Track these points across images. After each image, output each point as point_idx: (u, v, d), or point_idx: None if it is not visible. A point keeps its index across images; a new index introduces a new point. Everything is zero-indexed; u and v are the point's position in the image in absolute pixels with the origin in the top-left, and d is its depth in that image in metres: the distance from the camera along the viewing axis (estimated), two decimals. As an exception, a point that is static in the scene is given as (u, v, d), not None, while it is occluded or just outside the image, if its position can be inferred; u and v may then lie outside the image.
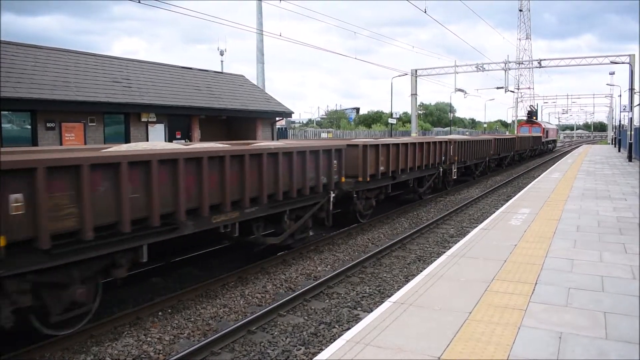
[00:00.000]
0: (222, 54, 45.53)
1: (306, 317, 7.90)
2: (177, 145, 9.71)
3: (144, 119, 20.90)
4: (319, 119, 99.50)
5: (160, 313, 8.06)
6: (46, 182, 5.92)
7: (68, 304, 6.79)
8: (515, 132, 62.10)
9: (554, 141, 65.21)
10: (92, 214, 6.43)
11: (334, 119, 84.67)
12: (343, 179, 12.58)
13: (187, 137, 23.19)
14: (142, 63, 24.28)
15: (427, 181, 19.36)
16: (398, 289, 7.25)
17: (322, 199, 11.77)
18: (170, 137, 22.16)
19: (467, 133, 66.04)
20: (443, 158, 20.31)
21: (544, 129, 54.42)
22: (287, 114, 28.17)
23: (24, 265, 6.01)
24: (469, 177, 26.35)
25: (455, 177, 22.38)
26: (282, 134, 28.33)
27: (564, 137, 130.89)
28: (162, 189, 7.46)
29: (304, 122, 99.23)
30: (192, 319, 7.74)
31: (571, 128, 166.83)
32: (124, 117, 20.54)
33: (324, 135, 30.27)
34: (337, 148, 12.25)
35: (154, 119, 21.21)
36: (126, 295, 9.14)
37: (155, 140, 21.03)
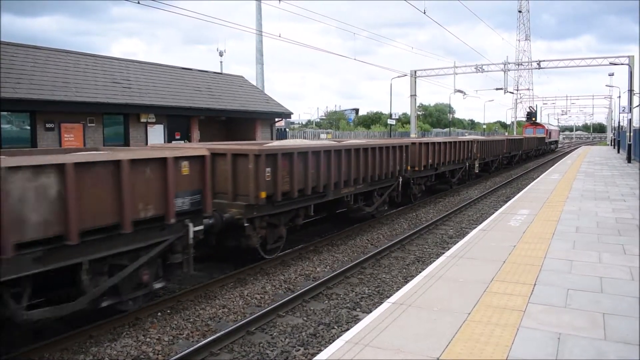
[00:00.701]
0: (221, 54, 45.57)
1: (305, 318, 7.90)
2: (315, 142, 14.57)
3: (143, 120, 20.88)
4: (318, 120, 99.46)
5: (159, 314, 8.06)
6: (281, 162, 10.14)
7: (276, 238, 10.82)
8: (515, 132, 64.65)
9: (556, 142, 69.70)
10: (296, 182, 10.62)
11: (333, 120, 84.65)
12: (408, 168, 16.68)
13: (187, 137, 23.17)
14: (142, 64, 24.28)
15: (458, 173, 23.06)
16: (397, 290, 7.26)
17: (394, 182, 15.72)
18: (170, 138, 22.15)
19: (467, 134, 66.16)
20: (469, 154, 24.11)
21: (547, 130, 58.45)
22: (287, 114, 28.15)
23: (265, 211, 10.08)
24: (485, 173, 29.44)
25: (477, 171, 26.19)
26: (281, 134, 28.32)
27: (563, 138, 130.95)
28: (323, 169, 11.65)
29: (303, 123, 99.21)
30: (191, 320, 7.75)
31: (570, 129, 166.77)
32: (124, 117, 20.53)
33: (323, 136, 30.26)
34: (406, 144, 16.46)
35: (153, 120, 21.20)
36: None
37: (156, 141, 21.03)
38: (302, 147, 11.17)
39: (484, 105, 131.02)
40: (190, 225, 8.00)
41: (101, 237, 6.64)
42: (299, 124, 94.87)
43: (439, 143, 19.59)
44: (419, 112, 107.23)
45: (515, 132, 76.70)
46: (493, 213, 13.44)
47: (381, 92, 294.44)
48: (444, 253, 8.50)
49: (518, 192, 17.31)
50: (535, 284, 6.56)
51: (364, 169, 13.59)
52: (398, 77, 41.67)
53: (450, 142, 21.05)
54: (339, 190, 12.58)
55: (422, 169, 18.13)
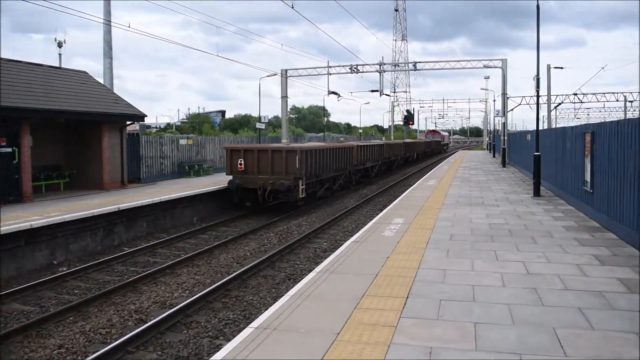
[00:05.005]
0: (60, 45, 42.81)
1: (160, 352, 7.66)
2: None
3: (-45, 124, 19.01)
4: (179, 123, 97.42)
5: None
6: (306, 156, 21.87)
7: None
8: (392, 137, 73.66)
9: (447, 144, 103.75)
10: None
11: (197, 123, 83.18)
12: (355, 163, 29.10)
13: (15, 145, 21.46)
14: (-45, 55, 22.16)
15: (375, 168, 34.75)
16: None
17: (346, 172, 27.20)
18: (-7, 146, 20.38)
19: (342, 139, 68.72)
20: (381, 154, 36.39)
21: (442, 136, 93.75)
22: (139, 117, 27.10)
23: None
24: (390, 171, 41.10)
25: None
26: (133, 142, 27.29)
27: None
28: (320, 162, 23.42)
29: (162, 126, 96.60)
30: (17, 365, 7.15)
31: (448, 133, 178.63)
32: None
33: (182, 142, 29.57)
34: (352, 147, 28.62)
35: (-31, 124, 19.38)
36: None
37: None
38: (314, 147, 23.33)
39: (360, 108, 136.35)
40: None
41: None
42: (156, 127, 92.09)
43: (366, 145, 32.51)
44: (291, 115, 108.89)
45: (392, 137, 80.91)
46: (369, 223, 13.95)
47: (250, 93, 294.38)
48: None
49: (394, 200, 18.15)
50: (407, 297, 6.88)
51: (335, 162, 25.25)
52: (267, 76, 41.99)
53: (370, 145, 34.06)
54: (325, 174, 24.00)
55: (358, 164, 29.83)
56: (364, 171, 32.49)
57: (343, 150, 26.79)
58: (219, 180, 24.25)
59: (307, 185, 21.55)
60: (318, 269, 8.43)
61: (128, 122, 26.83)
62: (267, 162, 20.55)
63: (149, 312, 9.35)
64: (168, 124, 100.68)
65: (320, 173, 23.22)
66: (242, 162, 20.82)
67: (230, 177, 20.98)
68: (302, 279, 8.24)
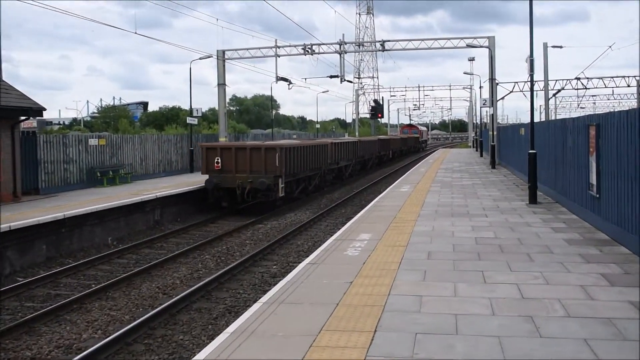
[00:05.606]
0: None
1: (63, 410, 7.51)
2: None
3: None
4: (89, 118, 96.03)
5: None
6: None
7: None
8: (357, 134, 73.51)
9: (426, 141, 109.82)
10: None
11: (111, 118, 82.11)
12: (329, 162, 33.79)
13: None
14: None
15: (349, 168, 39.69)
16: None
17: (320, 171, 31.42)
18: None
19: (295, 137, 68.78)
20: (361, 153, 42.97)
21: (420, 131, 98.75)
22: (36, 110, 26.61)
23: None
24: (364, 171, 46.74)
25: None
26: (29, 141, 26.74)
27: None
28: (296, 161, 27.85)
29: (67, 123, 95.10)
30: None
31: (426, 127, 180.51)
32: None
33: (92, 142, 28.96)
34: (327, 144, 33.33)
35: None
36: None
37: None
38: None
39: (317, 98, 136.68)
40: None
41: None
42: (59, 124, 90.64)
43: (340, 144, 36.82)
44: (231, 107, 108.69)
45: (357, 133, 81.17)
46: (328, 239, 13.99)
47: (179, 80, 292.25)
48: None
49: (360, 210, 18.25)
50: (375, 331, 6.90)
51: (311, 161, 29.10)
52: (200, 59, 41.62)
53: (344, 143, 38.66)
54: (302, 173, 27.81)
55: (332, 162, 33.83)
56: (337, 171, 37.00)
57: (319, 148, 31.23)
58: (140, 190, 24.01)
59: (285, 185, 25.09)
60: (265, 298, 8.42)
61: (22, 118, 26.32)
62: (245, 161, 24.39)
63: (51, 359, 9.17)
64: (74, 120, 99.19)
65: (298, 172, 27.16)
66: (219, 160, 24.59)
67: (206, 176, 24.64)
68: (245, 311, 8.20)
